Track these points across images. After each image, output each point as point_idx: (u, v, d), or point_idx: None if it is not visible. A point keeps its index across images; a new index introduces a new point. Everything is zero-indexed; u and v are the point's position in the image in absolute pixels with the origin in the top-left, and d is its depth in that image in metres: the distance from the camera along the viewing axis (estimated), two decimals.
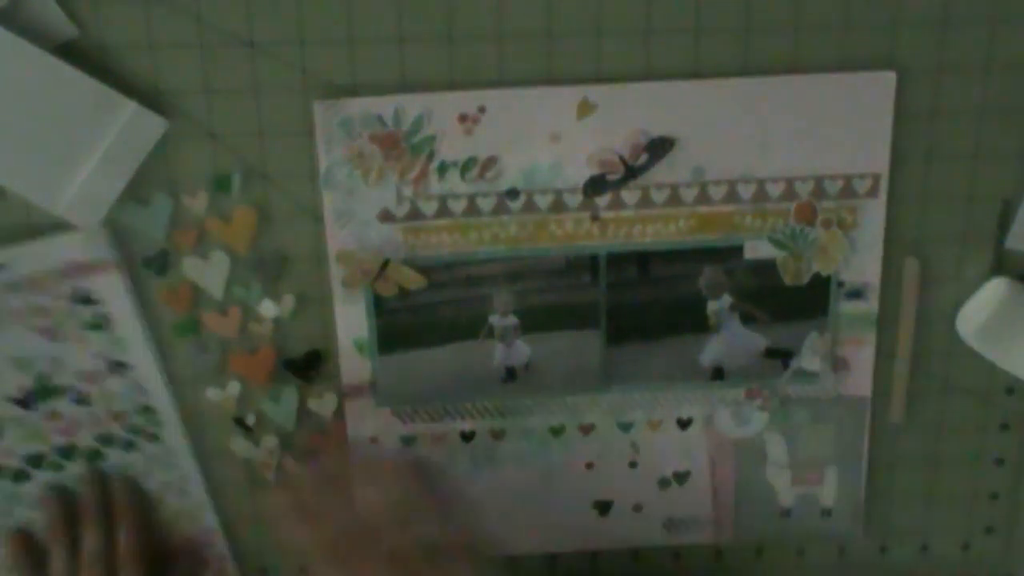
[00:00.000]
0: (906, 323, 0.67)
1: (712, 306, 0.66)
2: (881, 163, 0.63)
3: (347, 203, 0.62)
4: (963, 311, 0.67)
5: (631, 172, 0.62)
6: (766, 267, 0.65)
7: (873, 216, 0.64)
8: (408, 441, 0.67)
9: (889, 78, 0.62)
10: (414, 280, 0.64)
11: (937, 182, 0.65)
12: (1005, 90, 0.63)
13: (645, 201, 0.63)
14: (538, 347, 0.66)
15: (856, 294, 0.66)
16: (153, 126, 0.59)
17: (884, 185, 0.64)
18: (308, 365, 0.65)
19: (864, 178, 0.63)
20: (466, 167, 0.62)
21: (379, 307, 0.64)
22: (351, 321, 0.64)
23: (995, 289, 0.66)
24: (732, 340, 0.66)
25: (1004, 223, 0.66)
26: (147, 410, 0.64)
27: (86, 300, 0.61)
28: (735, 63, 0.61)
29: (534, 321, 0.65)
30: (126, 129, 0.58)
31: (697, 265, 0.65)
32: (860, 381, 0.68)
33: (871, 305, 0.66)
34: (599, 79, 0.61)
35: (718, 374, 0.67)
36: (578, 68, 0.60)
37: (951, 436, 0.69)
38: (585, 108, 0.61)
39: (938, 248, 0.66)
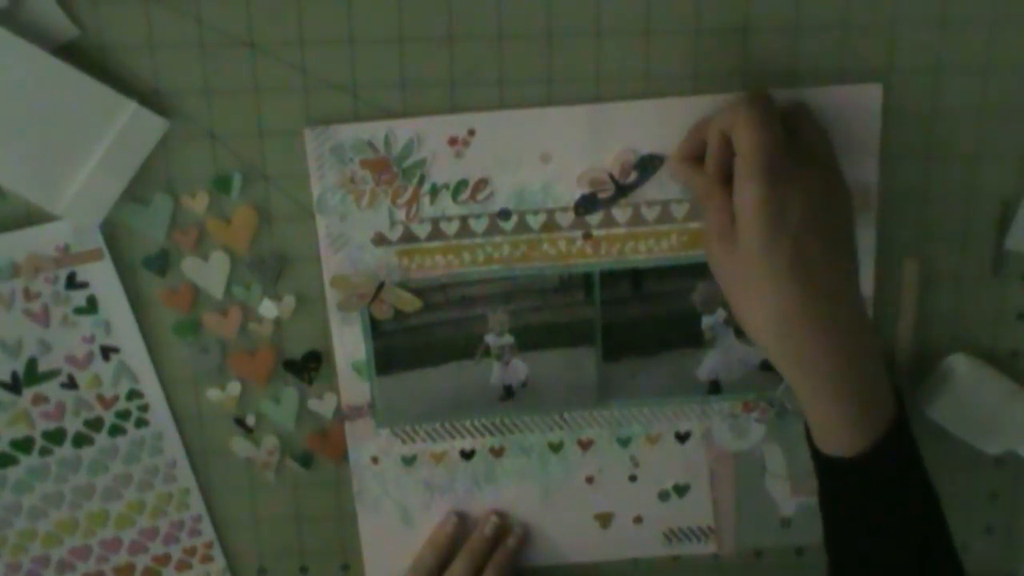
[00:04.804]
0: (906, 323, 0.67)
1: (706, 321, 0.66)
2: (870, 175, 0.63)
3: (340, 228, 0.62)
4: (923, 387, 0.68)
5: (621, 190, 0.62)
6: None
7: (864, 227, 0.64)
8: (408, 461, 0.67)
9: (875, 90, 0.61)
10: (409, 302, 0.64)
11: (936, 183, 0.65)
12: (1005, 90, 0.63)
13: (636, 218, 0.63)
14: (535, 365, 0.66)
15: None
16: (153, 126, 0.59)
17: (874, 196, 0.63)
18: (308, 365, 0.65)
19: (853, 190, 0.63)
20: (457, 189, 0.62)
21: (376, 329, 0.64)
22: (348, 344, 0.65)
23: (953, 365, 0.67)
24: (727, 354, 0.66)
25: (1004, 223, 0.66)
26: (135, 395, 0.64)
27: (76, 285, 0.62)
28: (726, 77, 0.61)
29: (530, 339, 0.65)
30: (126, 129, 0.58)
31: (690, 280, 0.65)
32: None
33: None
34: (597, 95, 0.61)
35: (715, 388, 0.67)
36: (576, 74, 0.61)
37: (951, 436, 0.69)
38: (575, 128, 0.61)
39: (938, 249, 0.66)
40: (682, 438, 0.69)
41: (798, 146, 0.56)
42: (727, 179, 0.56)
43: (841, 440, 0.57)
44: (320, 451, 0.67)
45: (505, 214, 0.63)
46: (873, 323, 0.65)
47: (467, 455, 0.68)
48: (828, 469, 0.59)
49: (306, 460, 0.67)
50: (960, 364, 0.67)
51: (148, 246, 0.62)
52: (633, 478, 0.69)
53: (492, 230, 0.63)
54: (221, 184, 0.61)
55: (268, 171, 0.62)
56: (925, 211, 0.65)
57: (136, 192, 0.61)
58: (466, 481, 0.68)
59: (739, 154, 0.54)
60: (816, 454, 0.59)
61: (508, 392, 0.67)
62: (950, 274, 0.66)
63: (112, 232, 0.61)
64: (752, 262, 0.55)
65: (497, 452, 0.68)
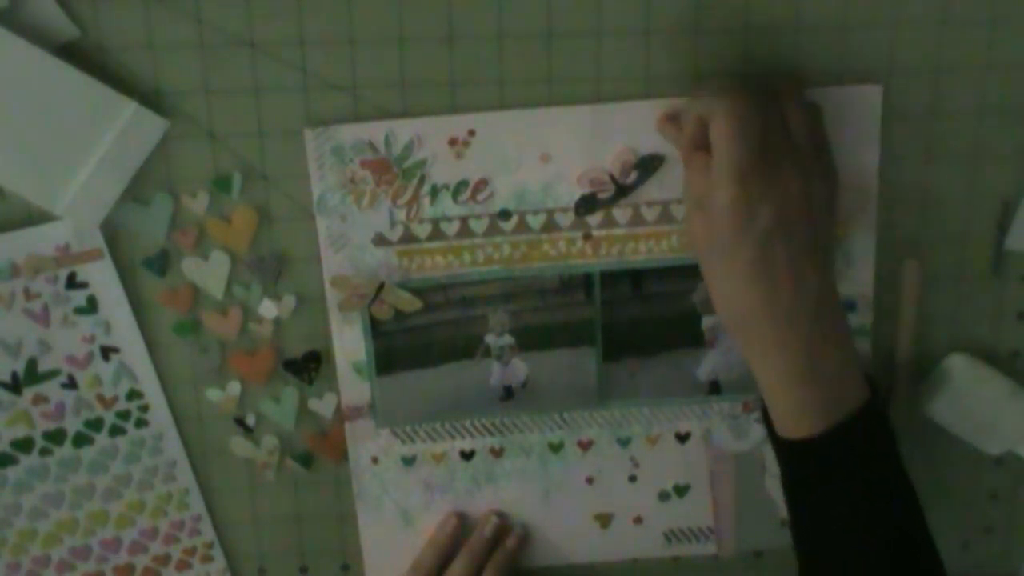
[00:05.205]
0: (906, 324, 0.67)
1: (707, 321, 0.66)
2: (870, 176, 0.63)
3: (341, 228, 0.62)
4: (923, 387, 0.68)
5: (621, 190, 0.62)
6: None
7: (864, 229, 0.64)
8: (408, 461, 0.67)
9: (875, 90, 0.61)
10: (409, 302, 0.64)
11: (936, 183, 0.65)
12: (1005, 90, 0.63)
13: (636, 219, 0.63)
14: (535, 365, 0.66)
15: (849, 307, 0.65)
16: (153, 126, 0.59)
17: (874, 197, 0.63)
18: (308, 365, 0.65)
19: (853, 191, 0.63)
20: (457, 190, 0.62)
21: (376, 330, 0.64)
22: (349, 344, 0.65)
23: (953, 365, 0.67)
24: (727, 354, 0.66)
25: (1004, 223, 0.66)
26: (135, 395, 0.64)
27: (76, 285, 0.62)
28: (726, 78, 0.61)
29: (530, 340, 0.65)
30: (126, 129, 0.58)
31: (690, 281, 0.64)
32: None
33: (864, 318, 0.66)
34: (597, 95, 0.61)
35: (715, 388, 0.67)
36: (576, 74, 0.61)
37: (951, 436, 0.69)
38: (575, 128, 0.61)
39: (938, 249, 0.66)
40: (682, 439, 0.69)
41: (784, 134, 0.56)
42: (708, 148, 0.55)
43: (799, 423, 0.56)
44: (320, 451, 0.67)
45: (505, 214, 0.63)
46: (844, 305, 0.63)
47: (467, 455, 0.68)
48: (786, 454, 0.58)
49: (306, 460, 0.68)
50: (960, 364, 0.67)
51: (148, 246, 0.62)
52: (633, 478, 0.69)
53: (492, 230, 0.63)
54: (221, 184, 0.61)
55: (268, 171, 0.62)
56: (925, 211, 0.65)
57: (136, 192, 0.61)
58: (466, 481, 0.68)
59: (715, 155, 0.54)
60: (775, 439, 0.59)
61: (508, 392, 0.67)
62: (950, 274, 0.66)
63: (112, 232, 0.61)
64: (716, 255, 0.55)
65: (497, 452, 0.68)
